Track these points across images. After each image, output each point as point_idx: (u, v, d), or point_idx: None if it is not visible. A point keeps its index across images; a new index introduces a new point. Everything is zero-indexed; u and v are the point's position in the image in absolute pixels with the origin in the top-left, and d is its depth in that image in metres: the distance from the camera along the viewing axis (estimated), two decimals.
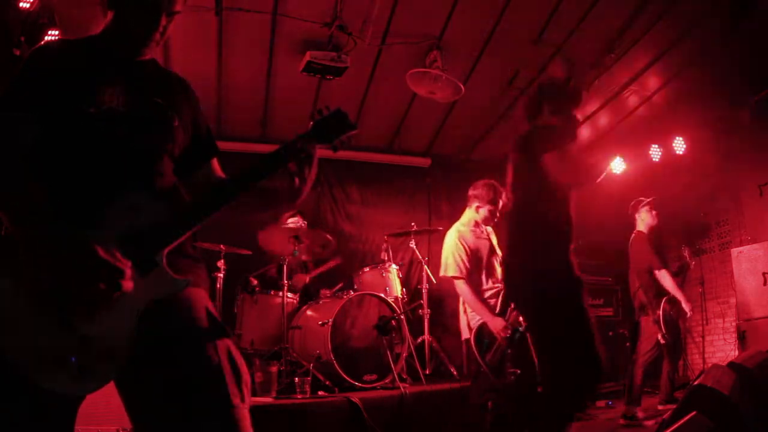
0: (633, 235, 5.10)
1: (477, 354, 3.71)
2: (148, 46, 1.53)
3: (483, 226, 4.14)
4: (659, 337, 4.62)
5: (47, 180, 1.35)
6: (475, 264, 3.97)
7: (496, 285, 4.01)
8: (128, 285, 1.27)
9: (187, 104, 1.64)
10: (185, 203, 1.44)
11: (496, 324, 3.69)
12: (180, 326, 1.38)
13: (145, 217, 1.35)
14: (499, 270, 4.06)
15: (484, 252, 4.04)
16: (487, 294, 3.99)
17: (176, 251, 1.42)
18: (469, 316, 3.92)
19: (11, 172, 1.32)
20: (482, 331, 3.79)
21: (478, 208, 4.09)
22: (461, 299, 4.00)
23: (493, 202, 4.05)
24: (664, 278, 4.83)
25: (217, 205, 1.44)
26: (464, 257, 3.93)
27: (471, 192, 4.17)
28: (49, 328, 1.23)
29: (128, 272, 1.28)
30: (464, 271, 3.90)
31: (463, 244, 3.98)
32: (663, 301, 4.78)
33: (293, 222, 5.25)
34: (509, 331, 3.67)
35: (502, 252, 3.95)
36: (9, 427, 1.22)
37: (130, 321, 1.29)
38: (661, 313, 4.72)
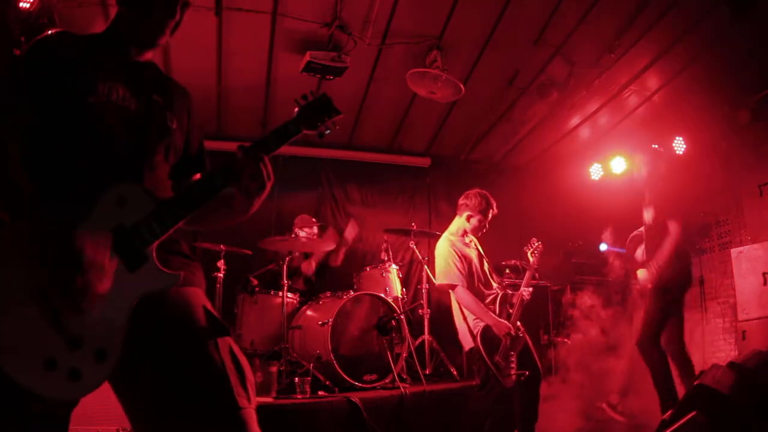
0: None
1: (486, 356, 3.63)
2: (160, 38, 1.51)
3: (470, 235, 4.08)
4: None
5: (39, 168, 1.32)
6: (469, 271, 3.91)
7: (492, 291, 3.95)
8: (107, 284, 1.23)
9: (186, 113, 1.63)
10: (173, 196, 1.41)
11: (501, 326, 3.68)
12: (178, 326, 1.35)
13: (133, 211, 1.32)
14: (491, 277, 4.05)
15: (475, 260, 3.98)
16: (486, 300, 3.90)
17: (172, 251, 1.40)
18: (470, 323, 3.82)
19: None
20: (486, 334, 3.72)
21: (469, 217, 4.01)
22: (457, 308, 3.90)
23: (484, 212, 3.99)
24: None
25: (209, 195, 1.40)
26: (459, 265, 3.86)
27: (462, 201, 4.08)
28: (38, 327, 1.17)
29: (113, 266, 1.24)
30: (463, 278, 3.82)
31: (456, 252, 3.91)
32: None
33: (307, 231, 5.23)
34: (514, 331, 3.69)
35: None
36: None
37: (120, 319, 1.25)
38: None
